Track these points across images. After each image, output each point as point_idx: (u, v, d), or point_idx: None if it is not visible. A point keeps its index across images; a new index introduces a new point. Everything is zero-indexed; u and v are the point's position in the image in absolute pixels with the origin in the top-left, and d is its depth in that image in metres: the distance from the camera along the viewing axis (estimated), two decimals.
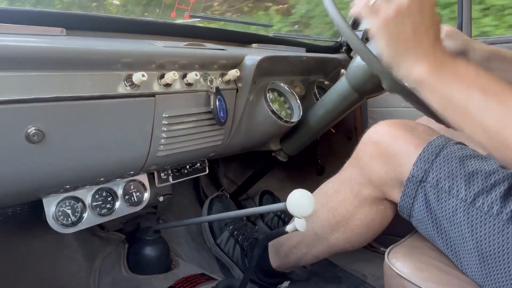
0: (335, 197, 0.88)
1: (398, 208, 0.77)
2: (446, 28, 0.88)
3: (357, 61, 1.01)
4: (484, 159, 0.69)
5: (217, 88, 0.87)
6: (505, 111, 0.48)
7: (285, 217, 1.39)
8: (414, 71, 0.54)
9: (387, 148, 0.77)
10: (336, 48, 1.45)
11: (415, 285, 0.67)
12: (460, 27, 1.31)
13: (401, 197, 0.75)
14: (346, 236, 0.89)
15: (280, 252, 1.03)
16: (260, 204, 1.46)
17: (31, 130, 0.62)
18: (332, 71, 1.32)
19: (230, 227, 1.21)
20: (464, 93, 0.51)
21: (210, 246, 1.24)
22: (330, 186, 0.91)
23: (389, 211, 0.85)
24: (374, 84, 0.98)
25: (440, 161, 0.70)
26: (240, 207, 1.48)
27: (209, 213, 1.27)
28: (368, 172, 0.81)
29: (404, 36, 0.54)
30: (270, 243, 1.07)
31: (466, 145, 0.74)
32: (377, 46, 0.57)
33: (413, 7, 0.54)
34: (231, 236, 1.20)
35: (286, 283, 1.14)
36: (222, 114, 0.87)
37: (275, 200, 1.49)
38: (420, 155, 0.71)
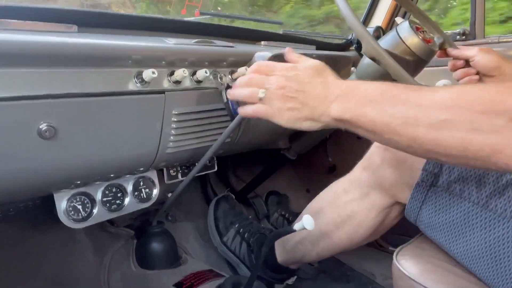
0: (343, 196, 0.88)
1: (405, 212, 0.77)
2: (478, 47, 0.88)
3: (368, 59, 1.00)
4: None
5: (228, 84, 0.87)
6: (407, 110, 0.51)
7: (289, 216, 1.39)
8: (328, 118, 0.59)
9: (399, 153, 0.76)
10: (346, 46, 1.44)
11: (424, 286, 0.66)
12: (473, 26, 1.29)
13: (409, 201, 0.74)
14: (348, 236, 0.89)
15: (286, 247, 1.03)
16: (266, 205, 1.46)
17: (43, 126, 0.63)
18: (342, 69, 1.31)
19: (236, 225, 1.22)
20: (379, 111, 0.53)
21: (216, 245, 1.24)
22: (339, 185, 0.91)
23: (397, 214, 0.85)
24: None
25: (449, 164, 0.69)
26: (249, 205, 1.49)
27: (215, 214, 1.27)
28: (379, 176, 0.81)
29: (300, 99, 0.60)
30: None
31: None
32: (286, 123, 0.62)
33: (285, 78, 0.61)
34: (237, 233, 1.20)
35: (293, 279, 1.14)
36: (235, 107, 0.87)
37: (281, 199, 1.49)
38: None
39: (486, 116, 0.44)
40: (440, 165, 0.70)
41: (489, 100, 0.45)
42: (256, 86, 0.63)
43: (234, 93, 0.67)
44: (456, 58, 0.92)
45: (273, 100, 0.62)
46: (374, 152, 0.83)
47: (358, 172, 0.87)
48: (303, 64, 0.64)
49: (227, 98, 0.86)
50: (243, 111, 0.66)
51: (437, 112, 0.48)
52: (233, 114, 0.87)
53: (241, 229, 1.21)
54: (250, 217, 1.30)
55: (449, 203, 0.68)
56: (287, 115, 0.61)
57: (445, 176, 0.69)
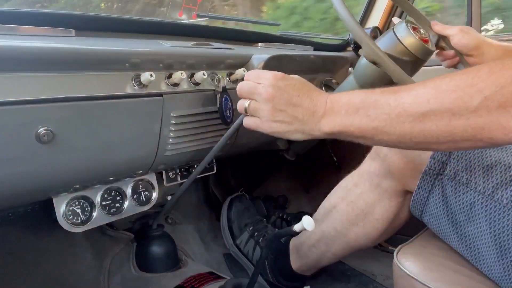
0: (354, 190, 0.88)
1: (410, 204, 0.76)
2: (459, 26, 0.87)
3: (365, 59, 1.00)
4: (503, 150, 0.68)
5: (224, 88, 0.87)
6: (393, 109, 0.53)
7: (288, 216, 1.38)
8: (319, 133, 0.61)
9: None
10: (343, 46, 1.45)
11: (425, 285, 0.66)
12: (469, 25, 1.29)
13: (415, 191, 0.74)
14: (365, 231, 0.88)
15: (300, 252, 1.02)
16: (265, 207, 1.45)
17: (41, 130, 0.63)
18: (339, 70, 1.31)
19: (250, 228, 1.18)
20: (365, 120, 0.56)
21: (228, 247, 1.21)
22: (349, 180, 0.90)
23: (409, 204, 0.84)
24: (382, 82, 0.97)
25: (458, 153, 0.69)
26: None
27: (228, 214, 1.24)
28: (388, 163, 0.80)
29: (288, 115, 0.61)
30: (291, 244, 1.05)
31: None
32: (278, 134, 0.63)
33: (273, 92, 0.61)
34: (251, 237, 1.17)
35: None
36: (228, 114, 0.88)
37: (278, 202, 1.48)
38: None
39: (461, 101, 0.48)
40: (449, 153, 0.70)
41: (461, 86, 0.48)
42: (246, 95, 0.64)
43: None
44: (437, 33, 0.91)
45: (260, 111, 0.62)
46: None
47: (367, 164, 0.86)
48: (290, 76, 0.64)
49: (220, 103, 0.86)
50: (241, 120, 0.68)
51: (417, 107, 0.51)
52: (225, 120, 0.87)
53: (255, 233, 1.17)
54: (264, 220, 1.26)
55: (454, 193, 0.68)
56: (275, 127, 0.62)
57: (452, 165, 0.69)
